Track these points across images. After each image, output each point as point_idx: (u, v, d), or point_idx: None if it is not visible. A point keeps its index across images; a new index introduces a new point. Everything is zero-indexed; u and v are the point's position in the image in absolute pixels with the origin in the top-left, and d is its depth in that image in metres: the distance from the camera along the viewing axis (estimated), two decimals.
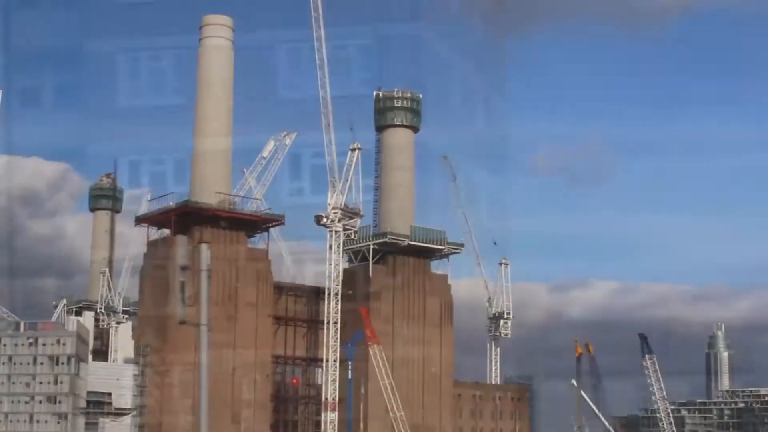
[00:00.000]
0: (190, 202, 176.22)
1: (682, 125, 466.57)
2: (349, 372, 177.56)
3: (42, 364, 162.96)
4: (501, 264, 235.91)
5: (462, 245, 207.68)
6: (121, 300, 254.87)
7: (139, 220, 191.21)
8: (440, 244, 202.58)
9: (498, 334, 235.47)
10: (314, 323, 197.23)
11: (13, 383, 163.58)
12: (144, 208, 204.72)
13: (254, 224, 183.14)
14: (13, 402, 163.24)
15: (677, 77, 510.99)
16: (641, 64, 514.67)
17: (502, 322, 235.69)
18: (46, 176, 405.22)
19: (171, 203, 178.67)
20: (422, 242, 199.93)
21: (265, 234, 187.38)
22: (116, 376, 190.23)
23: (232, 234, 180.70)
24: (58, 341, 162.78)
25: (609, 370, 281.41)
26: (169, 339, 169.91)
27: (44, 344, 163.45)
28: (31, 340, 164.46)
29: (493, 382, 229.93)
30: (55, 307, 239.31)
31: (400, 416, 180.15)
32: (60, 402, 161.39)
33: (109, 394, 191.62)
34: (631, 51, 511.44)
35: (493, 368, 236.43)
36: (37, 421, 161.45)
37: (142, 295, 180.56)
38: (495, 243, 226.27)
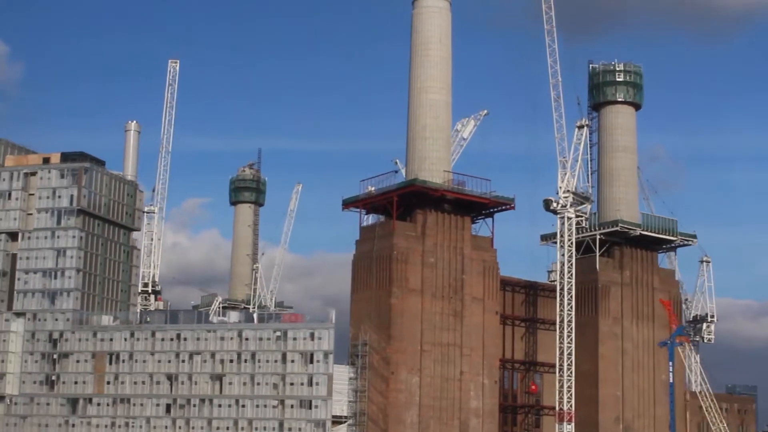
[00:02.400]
0: (417, 181, 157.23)
1: (746, 136, 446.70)
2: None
3: (293, 362, 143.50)
4: (702, 261, 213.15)
5: (694, 236, 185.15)
6: (274, 299, 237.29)
7: (347, 204, 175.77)
8: (672, 235, 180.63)
9: (699, 339, 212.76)
10: (533, 322, 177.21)
11: (258, 384, 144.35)
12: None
13: (480, 208, 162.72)
14: (258, 406, 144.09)
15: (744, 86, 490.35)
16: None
17: (705, 325, 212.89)
18: None
19: (385, 185, 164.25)
20: (654, 232, 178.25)
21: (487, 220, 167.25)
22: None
23: (456, 219, 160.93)
24: (312, 336, 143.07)
25: None
26: (394, 336, 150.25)
27: (295, 339, 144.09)
28: (279, 333, 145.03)
29: (694, 391, 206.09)
30: (196, 307, 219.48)
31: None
32: (317, 407, 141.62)
33: None
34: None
35: (692, 377, 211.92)
36: (289, 429, 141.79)
37: (355, 286, 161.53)
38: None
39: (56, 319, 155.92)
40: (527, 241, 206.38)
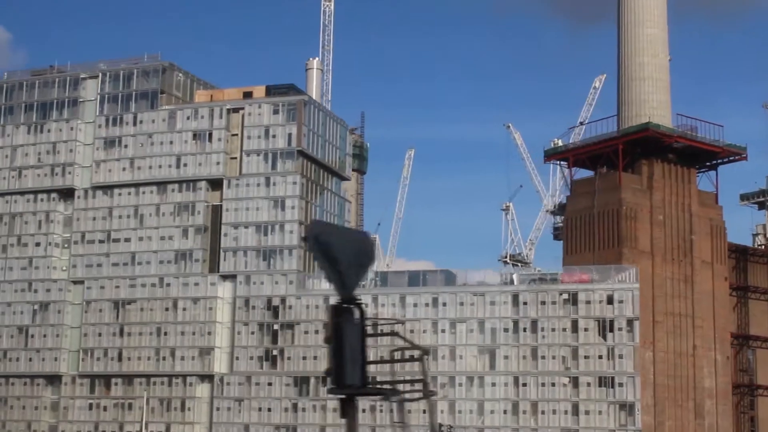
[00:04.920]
0: (651, 125, 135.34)
1: None
2: None
3: (587, 330, 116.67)
4: None
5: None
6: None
7: (551, 156, 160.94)
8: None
9: None
10: (744, 291, 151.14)
11: (542, 358, 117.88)
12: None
13: (708, 158, 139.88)
14: (544, 385, 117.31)
15: None
16: None
17: None
18: None
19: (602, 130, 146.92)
20: None
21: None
22: None
23: (682, 171, 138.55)
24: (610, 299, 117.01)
25: None
26: None
27: (588, 302, 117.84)
28: (565, 296, 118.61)
29: None
30: None
31: None
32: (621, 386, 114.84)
33: None
34: None
35: None
36: (586, 413, 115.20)
37: (568, 248, 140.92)
38: None
39: (276, 282, 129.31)
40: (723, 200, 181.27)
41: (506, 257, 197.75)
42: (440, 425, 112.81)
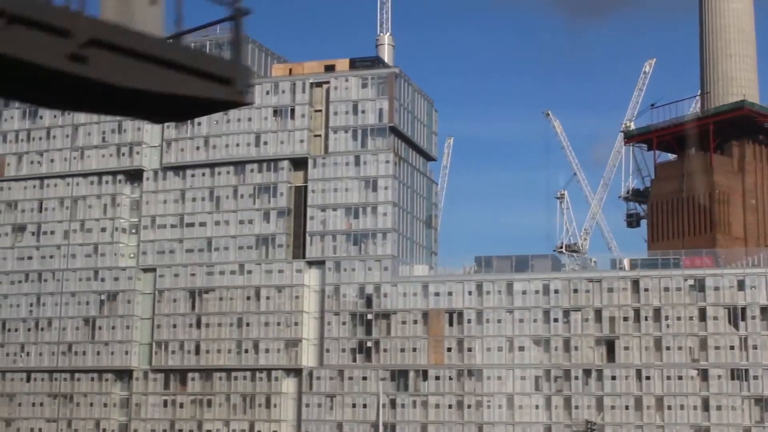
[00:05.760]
0: (746, 103, 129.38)
1: None
2: None
3: (716, 319, 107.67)
4: None
5: None
6: None
7: (631, 138, 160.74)
8: None
9: None
10: None
11: (667, 349, 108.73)
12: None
13: None
14: (669, 378, 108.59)
15: None
16: None
17: None
18: None
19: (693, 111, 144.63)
20: None
21: None
22: None
23: None
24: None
25: None
26: None
27: (716, 289, 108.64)
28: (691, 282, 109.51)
29: None
30: None
31: None
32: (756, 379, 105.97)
33: None
34: None
35: None
36: (717, 408, 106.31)
37: (653, 234, 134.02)
38: None
39: (369, 269, 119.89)
40: None
41: (561, 247, 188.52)
42: (587, 422, 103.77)
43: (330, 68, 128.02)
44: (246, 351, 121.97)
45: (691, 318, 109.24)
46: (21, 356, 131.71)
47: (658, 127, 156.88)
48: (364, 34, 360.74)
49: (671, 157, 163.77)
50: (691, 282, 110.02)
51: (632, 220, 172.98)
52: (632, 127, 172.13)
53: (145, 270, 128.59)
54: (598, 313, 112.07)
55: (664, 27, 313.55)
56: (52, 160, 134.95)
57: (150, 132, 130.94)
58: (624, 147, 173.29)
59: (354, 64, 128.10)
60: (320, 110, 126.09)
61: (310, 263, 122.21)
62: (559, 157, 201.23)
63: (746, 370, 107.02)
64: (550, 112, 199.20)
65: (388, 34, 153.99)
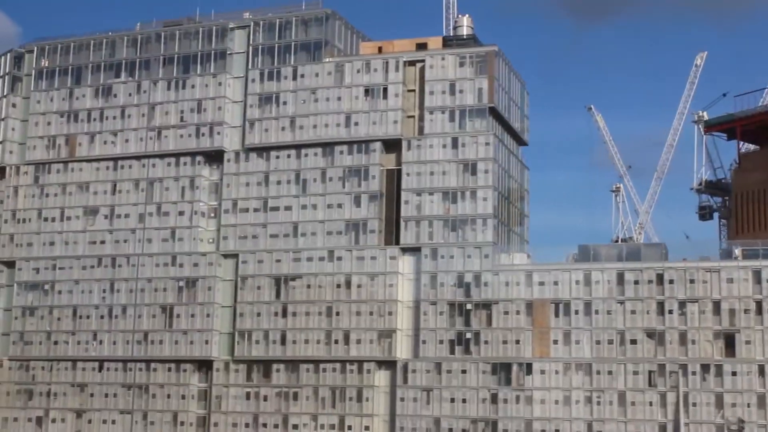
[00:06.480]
0: None
1: None
2: None
3: None
4: None
5: None
6: None
7: (711, 126, 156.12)
8: None
9: None
10: None
11: None
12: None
13: None
14: None
15: None
16: None
17: None
18: None
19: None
20: None
21: None
22: None
23: None
24: None
25: None
26: None
27: None
28: None
29: None
30: None
31: None
32: None
33: None
34: None
35: None
36: None
37: (738, 226, 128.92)
38: None
39: (468, 256, 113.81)
40: None
41: (617, 241, 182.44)
42: (740, 420, 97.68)
43: (422, 46, 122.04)
44: (336, 342, 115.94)
45: None
46: (93, 345, 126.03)
47: (744, 116, 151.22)
48: (427, 18, 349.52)
49: (751, 147, 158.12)
50: None
51: (705, 212, 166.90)
52: (705, 117, 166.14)
53: (226, 256, 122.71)
54: (717, 304, 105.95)
55: (707, 21, 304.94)
56: (126, 141, 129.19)
57: (231, 112, 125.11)
58: (697, 138, 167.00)
59: (447, 42, 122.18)
60: (413, 90, 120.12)
61: (404, 250, 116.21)
62: (602, 152, 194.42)
63: None
64: (592, 106, 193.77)
65: (467, 15, 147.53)
